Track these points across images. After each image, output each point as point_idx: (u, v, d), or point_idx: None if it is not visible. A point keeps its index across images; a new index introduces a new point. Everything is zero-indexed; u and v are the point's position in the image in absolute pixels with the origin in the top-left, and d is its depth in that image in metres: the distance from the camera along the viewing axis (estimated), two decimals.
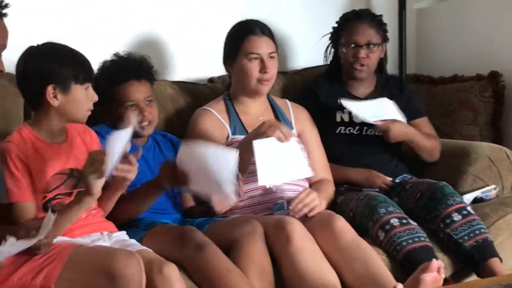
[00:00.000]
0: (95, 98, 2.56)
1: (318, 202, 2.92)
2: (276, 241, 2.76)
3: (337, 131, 3.41)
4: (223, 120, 3.12)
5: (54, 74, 2.48)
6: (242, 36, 3.11)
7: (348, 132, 3.41)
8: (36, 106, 2.56)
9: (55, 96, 2.50)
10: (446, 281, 2.86)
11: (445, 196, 3.09)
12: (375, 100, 3.38)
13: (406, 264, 2.88)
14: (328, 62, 3.56)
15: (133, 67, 2.94)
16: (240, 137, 3.06)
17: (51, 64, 2.49)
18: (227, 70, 3.22)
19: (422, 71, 4.16)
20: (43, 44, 2.55)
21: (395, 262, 2.93)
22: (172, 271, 2.45)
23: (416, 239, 2.94)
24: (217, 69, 3.37)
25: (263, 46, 3.09)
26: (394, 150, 3.44)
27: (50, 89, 2.48)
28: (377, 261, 2.82)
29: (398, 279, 2.76)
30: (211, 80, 3.57)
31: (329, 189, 3.17)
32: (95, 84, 2.60)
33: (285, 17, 3.79)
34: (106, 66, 2.97)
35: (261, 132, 2.85)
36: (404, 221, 2.98)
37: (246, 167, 2.88)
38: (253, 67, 3.08)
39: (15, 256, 2.26)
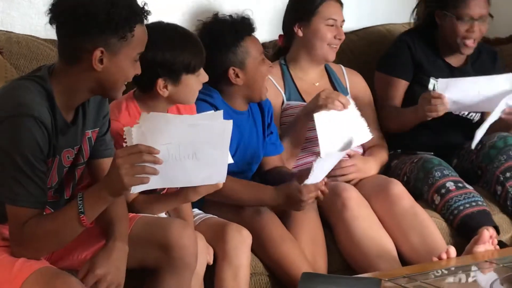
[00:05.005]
0: (206, 79, 2.47)
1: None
2: (332, 208, 2.78)
3: None
4: (278, 86, 3.11)
5: (164, 67, 2.39)
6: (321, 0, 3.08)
7: None
8: (145, 91, 2.46)
9: (165, 87, 2.41)
10: (503, 245, 2.81)
11: (508, 147, 3.04)
12: (493, 76, 3.06)
13: (463, 229, 2.88)
14: (411, 21, 3.42)
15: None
16: (295, 103, 3.06)
17: (163, 55, 2.38)
18: (290, 32, 3.14)
19: None
20: (155, 28, 2.30)
21: (452, 226, 2.92)
22: (248, 238, 2.51)
23: (474, 203, 2.92)
24: (267, 35, 3.34)
25: (340, 13, 3.08)
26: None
27: (160, 82, 2.40)
28: (433, 231, 2.81)
29: (454, 244, 2.75)
30: (262, 45, 3.52)
31: (383, 154, 3.14)
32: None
33: None
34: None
35: (319, 104, 2.80)
36: (460, 184, 2.96)
37: (303, 137, 2.90)
38: (329, 31, 3.06)
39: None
